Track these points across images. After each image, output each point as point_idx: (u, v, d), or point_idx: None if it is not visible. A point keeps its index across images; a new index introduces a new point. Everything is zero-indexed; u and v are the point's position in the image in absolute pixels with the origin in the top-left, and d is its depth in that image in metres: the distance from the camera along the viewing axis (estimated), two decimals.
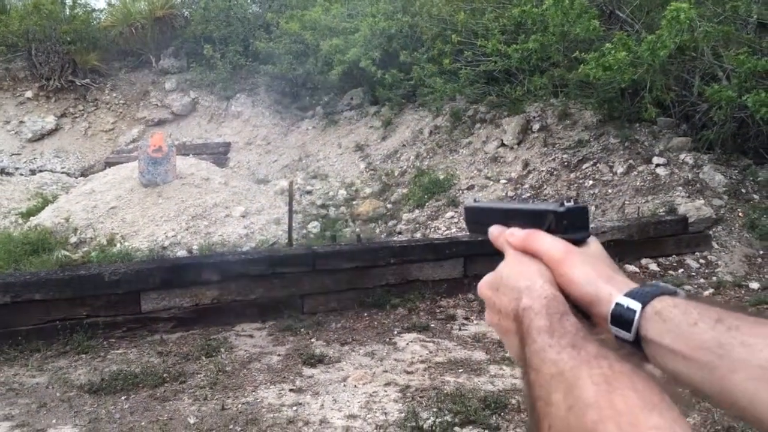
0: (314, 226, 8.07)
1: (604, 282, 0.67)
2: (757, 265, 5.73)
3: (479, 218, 0.86)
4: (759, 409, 0.54)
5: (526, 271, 0.70)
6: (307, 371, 4.10)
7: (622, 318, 0.63)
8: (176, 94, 13.57)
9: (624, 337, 0.63)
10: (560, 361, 0.57)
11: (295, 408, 3.59)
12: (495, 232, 0.79)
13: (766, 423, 0.53)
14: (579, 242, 0.72)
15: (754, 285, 5.33)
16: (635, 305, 0.63)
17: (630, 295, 0.64)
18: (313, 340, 4.64)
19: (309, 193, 9.47)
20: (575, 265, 0.68)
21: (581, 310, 0.68)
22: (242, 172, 10.91)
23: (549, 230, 0.73)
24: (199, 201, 7.80)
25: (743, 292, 5.23)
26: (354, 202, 8.88)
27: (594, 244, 0.73)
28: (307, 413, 3.53)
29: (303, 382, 3.94)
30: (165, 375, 4.00)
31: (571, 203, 0.73)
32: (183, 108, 13.38)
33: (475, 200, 0.94)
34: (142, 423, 3.46)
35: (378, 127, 10.70)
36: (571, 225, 0.72)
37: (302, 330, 4.81)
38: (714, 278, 5.55)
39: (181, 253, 6.86)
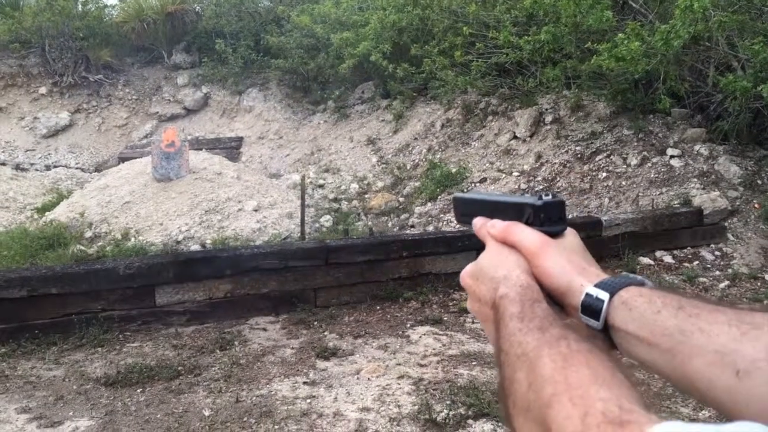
0: (327, 220, 8.08)
1: (576, 273, 0.70)
2: None
3: (466, 209, 0.88)
4: (715, 392, 0.56)
5: (505, 262, 0.73)
6: (321, 364, 4.11)
7: (591, 307, 0.66)
8: (188, 89, 13.63)
9: (593, 326, 0.66)
10: (525, 343, 0.60)
11: (309, 401, 3.60)
12: (478, 223, 0.81)
13: (724, 405, 0.56)
14: (556, 234, 0.74)
15: None
16: (603, 295, 0.66)
17: (599, 285, 0.67)
18: (326, 333, 4.66)
19: (321, 187, 9.48)
20: (550, 257, 0.71)
21: (555, 300, 0.71)
22: (254, 167, 10.95)
23: (528, 223, 0.75)
24: (212, 195, 7.83)
25: (759, 284, 5.19)
26: (366, 196, 8.89)
27: (571, 237, 0.76)
28: (320, 406, 3.55)
29: (316, 375, 3.95)
30: (180, 368, 4.03)
31: (549, 197, 0.76)
32: (195, 103, 13.43)
33: (462, 191, 0.97)
34: (158, 415, 3.49)
35: (389, 121, 10.68)
36: (548, 218, 0.75)
37: (315, 323, 4.83)
38: (729, 270, 5.50)
39: (195, 247, 6.90)
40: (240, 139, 12.29)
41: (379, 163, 9.76)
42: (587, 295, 0.67)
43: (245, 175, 8.79)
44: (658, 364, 0.62)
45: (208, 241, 7.06)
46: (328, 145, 11.01)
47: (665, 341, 0.61)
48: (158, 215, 7.50)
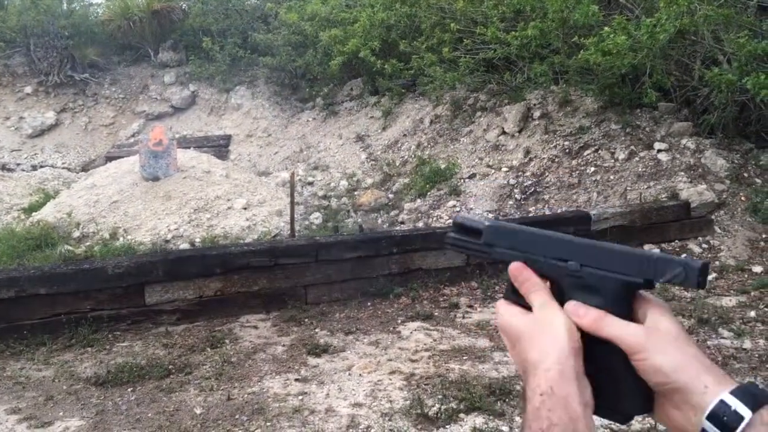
0: (316, 217, 8.07)
1: (699, 371, 0.63)
2: (760, 249, 5.72)
3: (499, 240, 0.75)
4: None
5: (542, 343, 0.67)
6: (312, 361, 4.11)
7: (724, 419, 0.60)
8: (175, 87, 13.55)
9: None
10: None
11: (300, 397, 3.60)
12: (523, 276, 0.72)
13: None
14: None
15: (758, 269, 5.33)
16: (744, 411, 0.59)
17: (737, 395, 0.60)
18: (317, 330, 4.65)
19: (310, 184, 9.46)
20: (659, 352, 0.64)
21: (662, 395, 0.65)
22: (243, 165, 10.91)
23: (668, 281, 0.66)
24: (201, 194, 7.80)
25: (746, 276, 5.23)
26: (355, 193, 8.88)
27: (665, 322, 0.67)
28: (312, 402, 3.55)
29: (308, 372, 3.95)
30: (170, 367, 4.02)
31: (696, 261, 0.65)
32: (182, 101, 13.36)
33: (495, 218, 0.83)
34: (149, 414, 3.47)
35: (378, 117, 10.68)
36: (703, 278, 0.65)
37: (306, 320, 4.83)
38: (717, 263, 5.55)
39: (184, 245, 6.88)
40: (228, 137, 12.24)
41: (368, 160, 9.75)
42: (722, 402, 0.60)
43: (234, 173, 8.76)
44: None
45: (198, 240, 7.03)
46: (317, 143, 10.99)
47: None
48: (147, 214, 7.46)
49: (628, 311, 0.68)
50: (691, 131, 7.22)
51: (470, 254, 0.80)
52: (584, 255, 0.69)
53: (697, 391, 0.61)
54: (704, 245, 5.95)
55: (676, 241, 6.02)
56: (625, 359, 0.65)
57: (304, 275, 5.18)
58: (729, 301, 4.73)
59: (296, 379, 3.85)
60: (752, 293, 4.84)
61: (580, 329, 0.67)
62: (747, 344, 4.02)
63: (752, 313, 4.49)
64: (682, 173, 6.59)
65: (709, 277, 5.19)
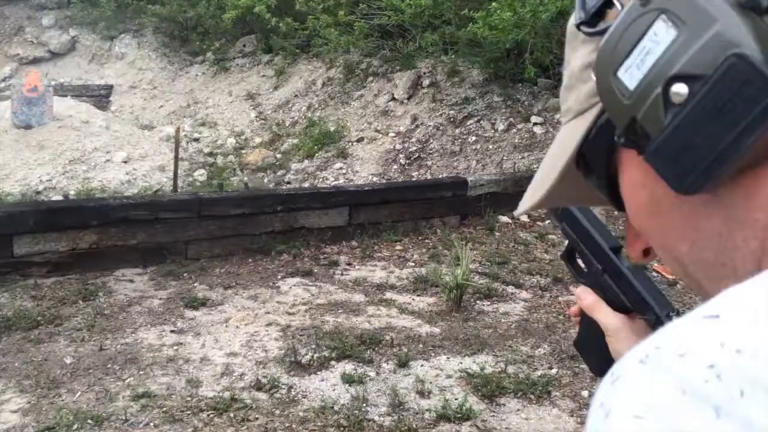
0: (201, 174, 7.95)
1: None
2: (614, 217, 6.28)
3: (577, 229, 0.91)
4: None
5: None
6: (189, 314, 4.15)
7: None
8: (54, 30, 12.69)
9: None
10: None
11: (175, 347, 3.65)
12: (590, 297, 0.87)
13: None
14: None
15: None
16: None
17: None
18: (196, 284, 4.67)
19: (196, 140, 9.27)
20: (621, 342, 0.80)
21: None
22: (125, 117, 10.47)
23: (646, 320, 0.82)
24: (78, 145, 7.47)
25: None
26: (243, 151, 8.81)
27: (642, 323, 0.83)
28: (187, 352, 3.61)
29: (184, 324, 3.99)
30: (39, 318, 3.92)
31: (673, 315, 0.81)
32: (61, 46, 12.55)
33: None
34: (16, 364, 3.40)
35: (270, 76, 10.56)
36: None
37: (185, 275, 4.82)
38: None
39: (57, 198, 6.59)
40: (110, 87, 11.66)
41: (258, 119, 9.66)
42: None
43: (115, 125, 8.42)
44: None
45: (72, 192, 6.76)
46: (205, 98, 10.72)
47: None
48: (17, 164, 7.06)
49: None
50: None
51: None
52: (610, 267, 0.87)
53: None
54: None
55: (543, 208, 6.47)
56: (603, 336, 0.85)
57: (185, 230, 5.15)
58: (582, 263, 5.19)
59: (172, 331, 3.88)
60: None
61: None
62: None
63: None
64: None
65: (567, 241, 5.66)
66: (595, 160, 0.53)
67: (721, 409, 0.30)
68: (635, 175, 0.49)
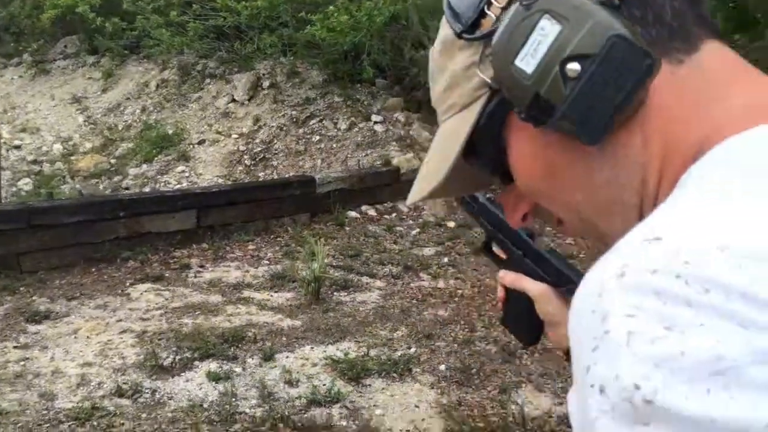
0: (26, 183, 7.35)
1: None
2: (454, 208, 6.72)
3: (491, 219, 1.02)
4: None
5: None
6: (32, 328, 3.88)
7: None
8: None
9: None
10: None
11: (22, 363, 3.41)
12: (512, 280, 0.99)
13: None
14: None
15: (451, 224, 6.27)
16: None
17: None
18: (35, 297, 4.37)
19: (17, 148, 8.52)
20: (548, 303, 0.93)
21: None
22: None
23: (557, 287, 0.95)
24: None
25: (442, 230, 6.13)
26: (72, 158, 8.25)
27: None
28: (36, 366, 3.39)
29: (28, 339, 3.73)
30: None
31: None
32: None
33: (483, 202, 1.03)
34: None
35: (98, 79, 9.96)
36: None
37: (22, 289, 4.49)
38: (420, 220, 6.39)
39: None
40: None
41: (87, 123, 9.09)
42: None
43: None
44: None
45: None
46: (24, 103, 9.87)
47: None
48: None
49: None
50: (402, 106, 8.10)
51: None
52: (530, 252, 0.98)
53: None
54: (411, 206, 6.79)
55: (389, 202, 6.76)
56: (530, 305, 0.96)
57: (17, 242, 4.78)
58: (429, 251, 5.53)
59: (15, 347, 3.61)
60: (446, 243, 5.71)
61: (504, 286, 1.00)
62: (441, 284, 4.79)
63: (445, 260, 5.33)
64: (394, 143, 7.41)
65: (413, 232, 5.99)
66: (484, 143, 0.64)
67: (692, 302, 0.41)
68: (526, 147, 0.61)
